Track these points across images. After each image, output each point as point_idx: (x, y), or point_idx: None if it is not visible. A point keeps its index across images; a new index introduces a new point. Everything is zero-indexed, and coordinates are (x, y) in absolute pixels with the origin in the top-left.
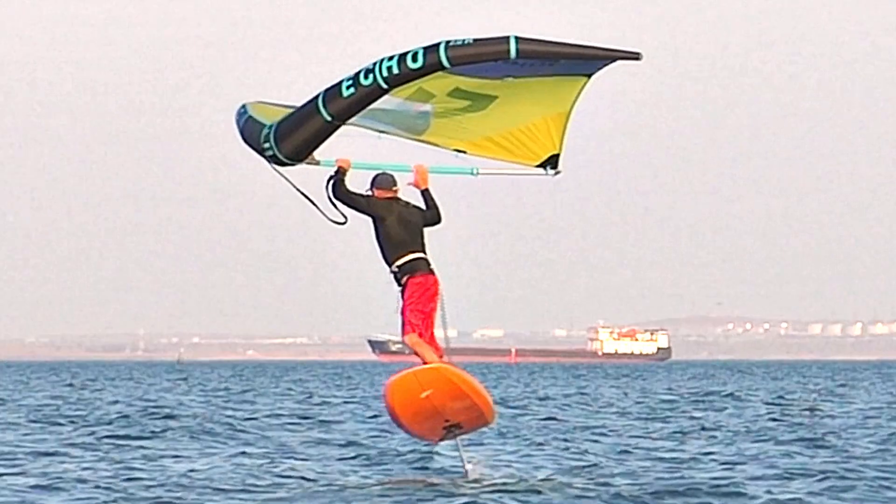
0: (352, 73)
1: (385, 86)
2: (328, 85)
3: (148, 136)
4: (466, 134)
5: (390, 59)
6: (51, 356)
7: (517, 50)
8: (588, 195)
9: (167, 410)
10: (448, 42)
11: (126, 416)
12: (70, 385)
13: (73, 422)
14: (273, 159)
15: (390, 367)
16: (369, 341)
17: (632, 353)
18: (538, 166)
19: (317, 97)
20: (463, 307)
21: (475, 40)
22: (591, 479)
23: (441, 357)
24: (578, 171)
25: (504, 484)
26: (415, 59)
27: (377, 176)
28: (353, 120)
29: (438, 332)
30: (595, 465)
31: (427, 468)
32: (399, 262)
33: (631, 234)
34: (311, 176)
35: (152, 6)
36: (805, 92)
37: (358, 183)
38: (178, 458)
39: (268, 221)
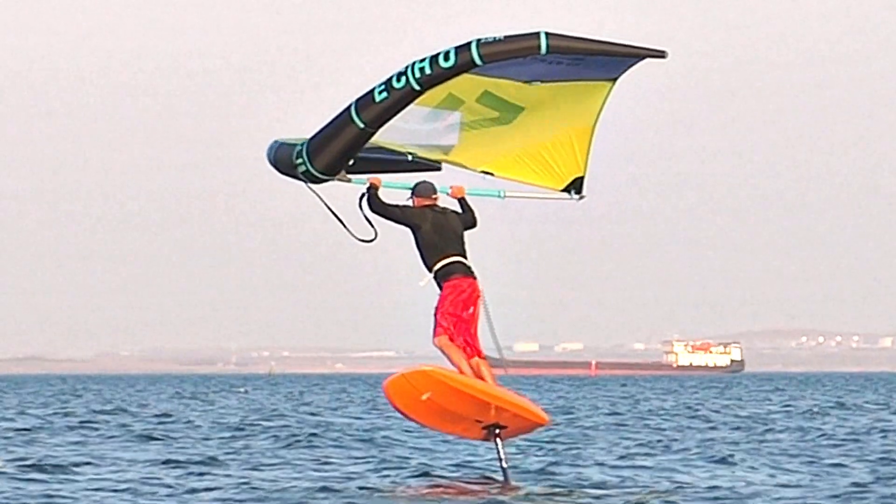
0: (384, 78)
1: (418, 87)
2: (360, 94)
3: (236, 156)
4: (493, 153)
5: (422, 60)
6: (145, 369)
7: (547, 46)
8: (663, 211)
9: (292, 419)
10: (479, 40)
11: (265, 427)
12: (189, 397)
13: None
14: (306, 175)
15: None
16: None
17: (706, 366)
18: (563, 190)
19: (349, 107)
20: (545, 322)
21: (505, 37)
22: (775, 486)
23: (483, 358)
24: (651, 186)
25: (681, 495)
26: (447, 59)
27: (417, 184)
28: (381, 139)
29: (487, 340)
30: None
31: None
32: (436, 267)
33: (706, 250)
34: (340, 191)
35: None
36: (879, 101)
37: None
38: (332, 464)
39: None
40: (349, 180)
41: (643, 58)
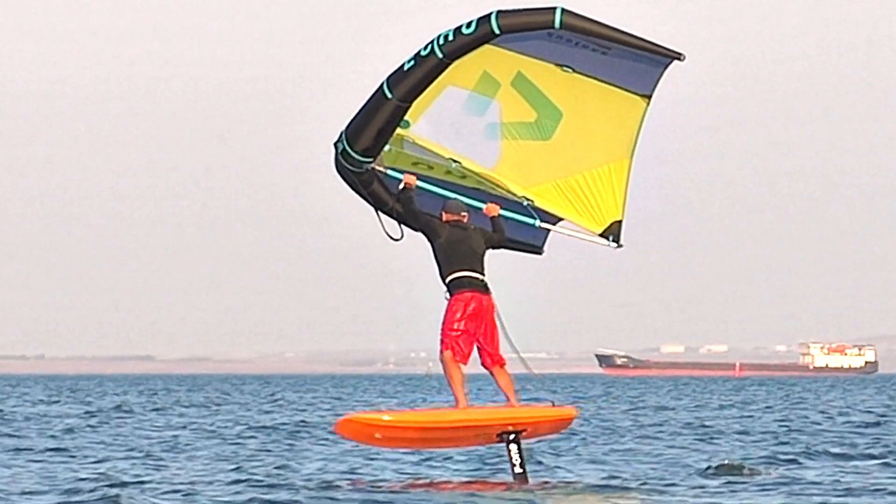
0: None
1: (441, 54)
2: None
3: None
4: (535, 178)
5: (447, 30)
6: (307, 370)
7: (561, 21)
8: (806, 218)
9: None
10: (499, 11)
11: None
12: (389, 395)
13: None
14: (344, 155)
15: (618, 379)
16: (597, 355)
17: (840, 367)
18: (601, 235)
19: (381, 84)
20: (690, 325)
21: (524, 9)
22: None
23: (502, 367)
24: (800, 198)
25: None
26: (468, 27)
27: (447, 201)
28: (423, 135)
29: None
30: None
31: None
32: (447, 280)
33: (845, 256)
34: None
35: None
36: None
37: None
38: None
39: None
40: (385, 171)
41: (659, 55)
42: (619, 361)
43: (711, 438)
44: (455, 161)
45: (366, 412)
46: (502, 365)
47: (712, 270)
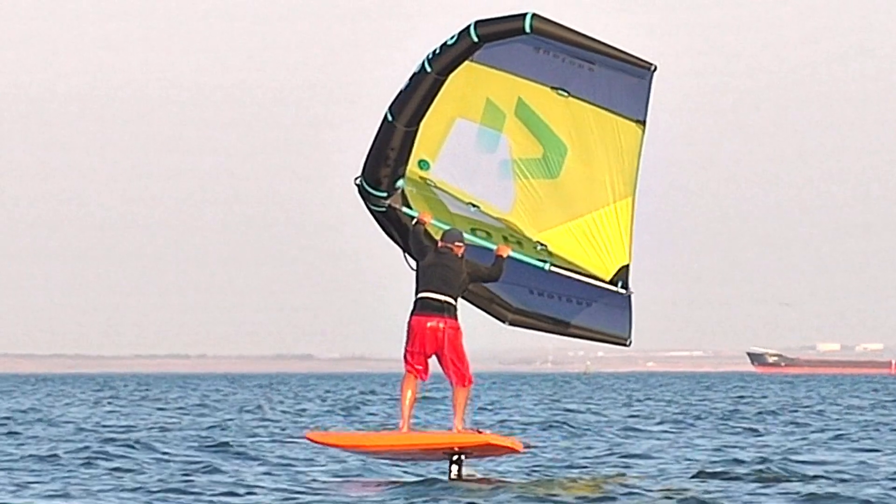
0: None
1: (429, 68)
2: None
3: None
4: (546, 219)
5: (435, 48)
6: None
7: (531, 25)
8: None
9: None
10: (477, 21)
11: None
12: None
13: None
14: (359, 189)
15: (771, 378)
16: (748, 353)
17: None
18: (610, 281)
19: (385, 113)
20: (846, 324)
21: (499, 17)
22: None
23: (459, 388)
24: None
25: None
26: (451, 39)
27: (446, 231)
28: (443, 178)
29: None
30: None
31: None
32: (415, 299)
33: None
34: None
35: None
36: None
37: None
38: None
39: None
40: (399, 206)
41: (628, 63)
42: (770, 360)
43: None
44: (474, 206)
45: (320, 433)
46: (458, 386)
47: (870, 267)
